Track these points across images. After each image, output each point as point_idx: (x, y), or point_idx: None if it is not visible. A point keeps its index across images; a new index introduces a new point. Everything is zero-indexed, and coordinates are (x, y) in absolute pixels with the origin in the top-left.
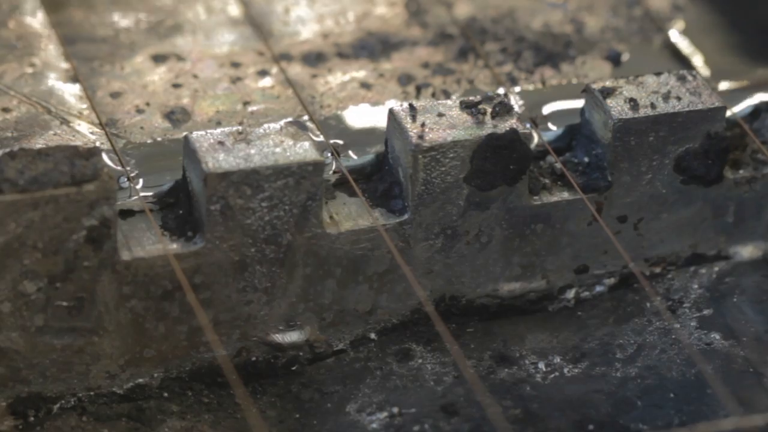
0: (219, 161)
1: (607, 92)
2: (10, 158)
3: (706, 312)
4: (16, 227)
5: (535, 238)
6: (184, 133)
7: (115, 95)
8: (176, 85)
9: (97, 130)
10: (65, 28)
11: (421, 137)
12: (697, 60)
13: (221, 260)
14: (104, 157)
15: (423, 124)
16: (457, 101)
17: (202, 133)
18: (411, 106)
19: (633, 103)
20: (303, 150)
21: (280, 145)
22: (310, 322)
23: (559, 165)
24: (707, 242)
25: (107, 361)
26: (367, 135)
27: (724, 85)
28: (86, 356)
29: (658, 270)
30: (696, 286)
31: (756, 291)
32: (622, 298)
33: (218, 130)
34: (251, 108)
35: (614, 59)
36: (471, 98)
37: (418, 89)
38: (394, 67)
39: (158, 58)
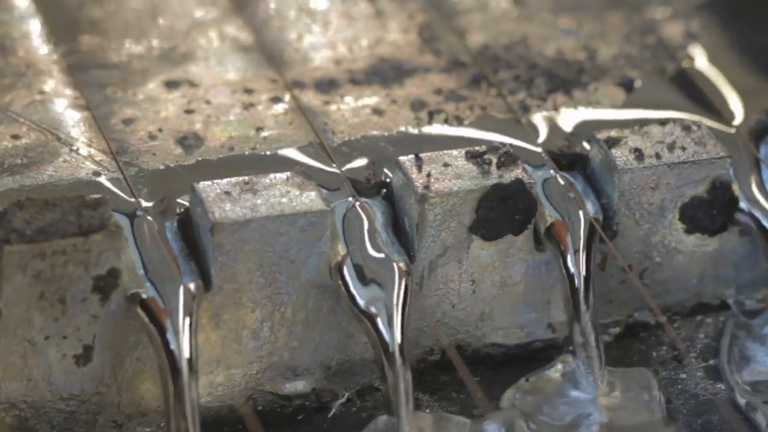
0: (225, 211)
1: (612, 142)
2: (17, 208)
3: (712, 362)
4: (23, 277)
5: (540, 287)
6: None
7: (127, 122)
8: (189, 111)
9: (107, 158)
10: (76, 55)
11: (426, 187)
12: (710, 88)
13: (226, 306)
14: (112, 187)
15: (429, 174)
16: (463, 151)
17: (209, 183)
18: (417, 156)
19: (638, 153)
20: (309, 200)
21: (287, 195)
22: (315, 370)
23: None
24: (712, 292)
25: (114, 410)
26: (379, 160)
27: (737, 113)
28: (93, 406)
29: (663, 319)
30: (702, 336)
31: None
32: (628, 347)
33: (225, 180)
34: (264, 134)
35: (627, 86)
36: (476, 148)
37: (431, 115)
38: (406, 94)
39: (171, 84)
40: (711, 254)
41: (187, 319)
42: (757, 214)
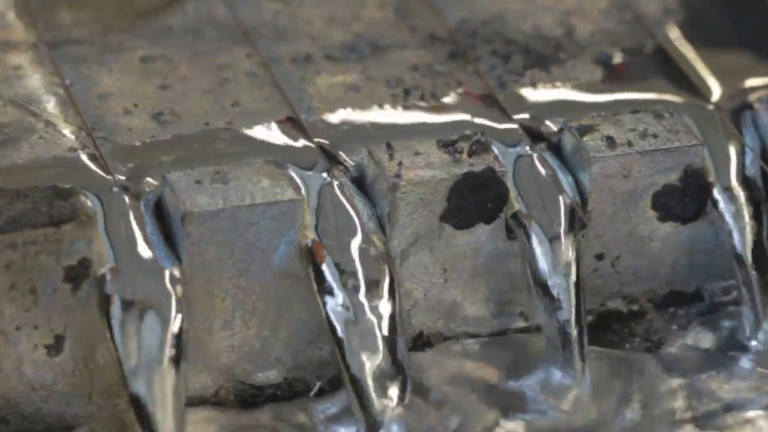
0: (196, 201)
1: (584, 130)
2: None
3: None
4: None
5: (511, 275)
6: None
7: (102, 97)
8: (164, 87)
9: (83, 134)
10: (52, 30)
11: (398, 176)
12: (688, 64)
13: (197, 296)
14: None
15: (400, 163)
16: (434, 140)
17: (180, 172)
18: (388, 144)
19: (610, 141)
20: (280, 189)
21: (258, 185)
22: (287, 360)
23: None
24: (685, 280)
25: (85, 401)
26: (355, 137)
27: (715, 91)
28: (65, 396)
29: (636, 308)
30: (675, 327)
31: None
32: (600, 339)
33: (196, 170)
34: (239, 109)
35: (605, 62)
36: (448, 137)
37: (407, 91)
38: (382, 70)
39: (146, 59)
40: (684, 242)
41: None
42: (726, 207)
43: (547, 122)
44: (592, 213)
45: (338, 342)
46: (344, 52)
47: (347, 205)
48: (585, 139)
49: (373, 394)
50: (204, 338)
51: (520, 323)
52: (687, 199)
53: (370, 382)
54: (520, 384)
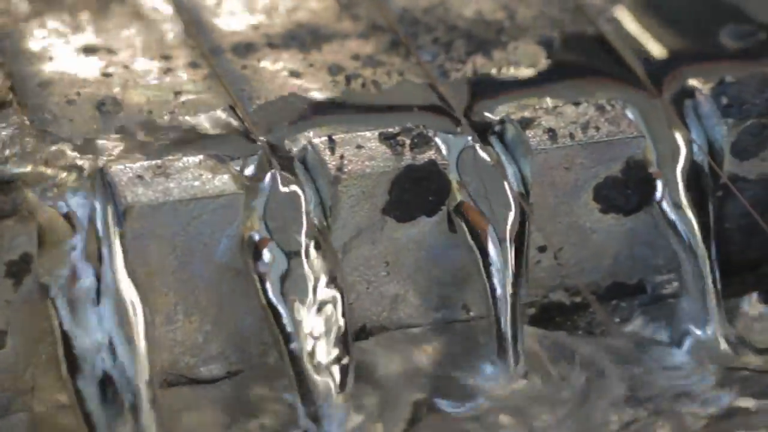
0: (138, 195)
1: (526, 122)
2: None
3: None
4: None
5: (454, 268)
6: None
7: (44, 85)
8: (107, 75)
9: (26, 122)
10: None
11: (340, 169)
12: (630, 52)
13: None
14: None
15: (342, 156)
16: (376, 133)
17: (121, 167)
18: (330, 138)
19: (552, 133)
20: (222, 183)
21: (199, 179)
22: (230, 354)
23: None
24: (627, 272)
25: (28, 396)
26: (297, 127)
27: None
28: (6, 392)
29: (578, 300)
30: (618, 319)
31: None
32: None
33: (137, 164)
34: (182, 98)
35: (547, 45)
36: (390, 130)
37: (348, 79)
38: (324, 58)
39: (88, 49)
40: (626, 234)
41: None
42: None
43: (490, 113)
44: (535, 205)
45: (281, 332)
46: (286, 40)
47: (290, 197)
48: (527, 131)
49: (316, 384)
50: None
51: (463, 315)
52: (629, 190)
53: (312, 371)
54: (459, 371)
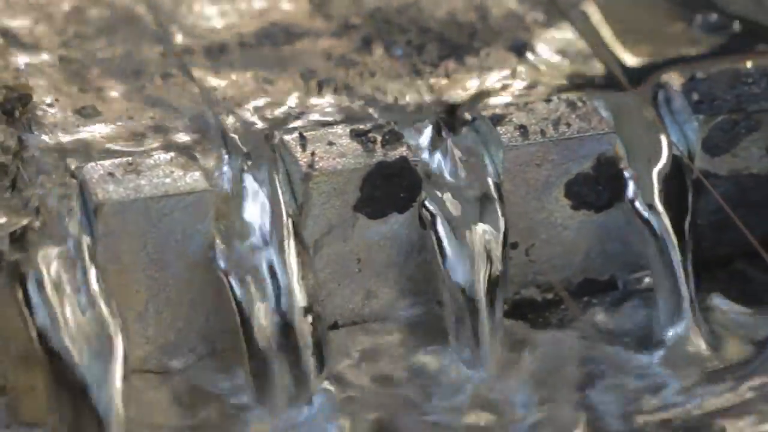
0: (109, 192)
1: (497, 119)
2: None
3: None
4: None
5: (425, 264)
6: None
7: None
8: (82, 79)
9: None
10: None
11: (311, 166)
12: (599, 45)
13: (112, 287)
14: None
15: (313, 153)
16: (348, 129)
17: (92, 164)
18: (301, 134)
19: (523, 129)
20: (193, 180)
21: (170, 175)
22: (202, 351)
23: None
24: (599, 268)
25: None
26: (269, 126)
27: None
28: None
29: (550, 296)
30: (589, 316)
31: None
32: (510, 330)
33: (108, 161)
34: (162, 100)
35: (518, 50)
36: (361, 126)
37: (320, 81)
38: (296, 59)
39: (64, 56)
40: (598, 230)
41: None
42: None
43: (461, 111)
44: (506, 202)
45: (243, 325)
46: (258, 41)
47: (261, 194)
48: (498, 128)
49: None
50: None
51: (435, 311)
52: (600, 187)
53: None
54: (430, 366)
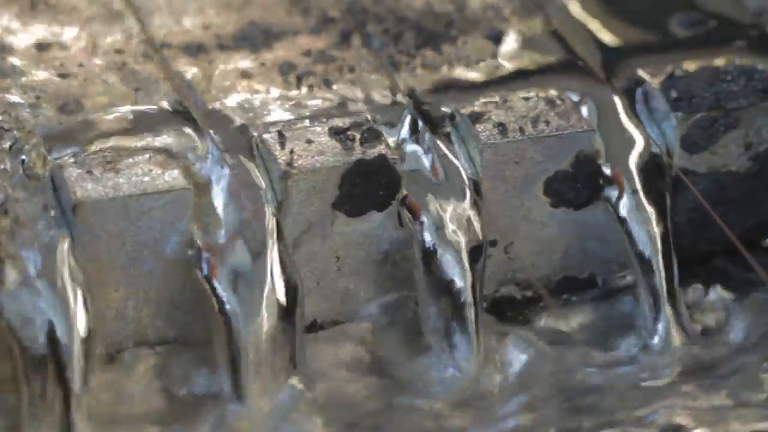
0: (88, 190)
1: (476, 117)
2: None
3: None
4: None
5: (405, 261)
6: (53, 164)
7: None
8: (63, 75)
9: None
10: None
11: (289, 164)
12: (578, 40)
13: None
14: None
15: (292, 151)
16: (326, 128)
17: (71, 161)
18: (280, 133)
19: (502, 127)
20: (171, 178)
21: (149, 174)
22: (177, 345)
23: None
24: (578, 266)
25: None
26: (249, 125)
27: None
28: None
29: (529, 294)
30: (569, 313)
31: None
32: (490, 328)
33: (86, 160)
34: (142, 95)
35: (495, 39)
36: (340, 125)
37: (299, 78)
38: (275, 57)
39: (42, 47)
40: (577, 228)
41: None
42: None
43: (440, 106)
44: (485, 200)
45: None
46: (237, 39)
47: (241, 192)
48: (477, 125)
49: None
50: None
51: (414, 310)
52: (579, 184)
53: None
54: (408, 364)
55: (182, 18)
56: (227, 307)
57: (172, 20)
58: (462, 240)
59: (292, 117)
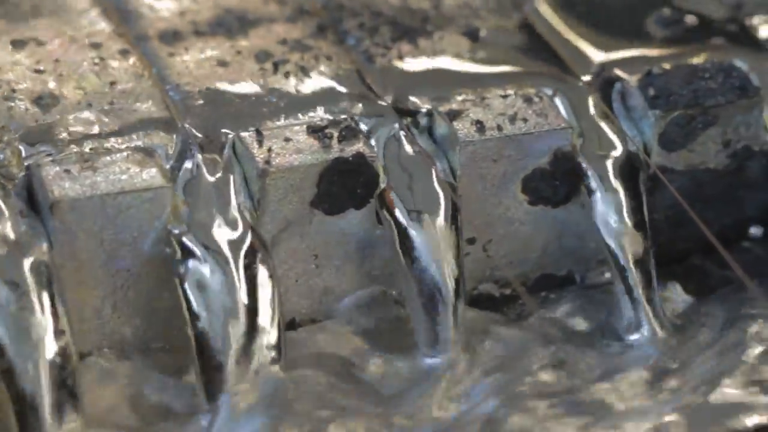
0: (65, 189)
1: (454, 114)
2: None
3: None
4: None
5: (383, 260)
6: (29, 162)
7: None
8: (39, 71)
9: None
10: None
11: (267, 162)
12: (554, 38)
13: (66, 282)
14: None
15: (270, 149)
16: (304, 126)
17: (48, 160)
18: (258, 131)
19: (479, 125)
20: (149, 176)
21: (127, 172)
22: (159, 345)
23: None
24: (555, 263)
25: None
26: (225, 115)
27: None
28: None
29: (508, 291)
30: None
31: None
32: (469, 324)
33: (64, 158)
34: (119, 87)
35: (472, 35)
36: (318, 123)
37: (276, 66)
38: (251, 45)
39: (17, 44)
40: (554, 225)
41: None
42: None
43: (417, 102)
44: (463, 198)
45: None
46: (213, 27)
47: (217, 190)
48: (454, 123)
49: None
50: (76, 327)
51: (395, 310)
52: (557, 182)
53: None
54: (389, 361)
55: (158, 6)
56: None
57: (147, 8)
58: (442, 235)
59: (268, 106)
